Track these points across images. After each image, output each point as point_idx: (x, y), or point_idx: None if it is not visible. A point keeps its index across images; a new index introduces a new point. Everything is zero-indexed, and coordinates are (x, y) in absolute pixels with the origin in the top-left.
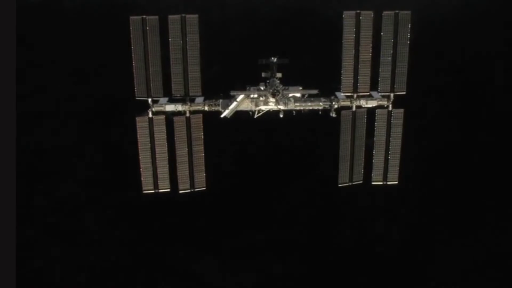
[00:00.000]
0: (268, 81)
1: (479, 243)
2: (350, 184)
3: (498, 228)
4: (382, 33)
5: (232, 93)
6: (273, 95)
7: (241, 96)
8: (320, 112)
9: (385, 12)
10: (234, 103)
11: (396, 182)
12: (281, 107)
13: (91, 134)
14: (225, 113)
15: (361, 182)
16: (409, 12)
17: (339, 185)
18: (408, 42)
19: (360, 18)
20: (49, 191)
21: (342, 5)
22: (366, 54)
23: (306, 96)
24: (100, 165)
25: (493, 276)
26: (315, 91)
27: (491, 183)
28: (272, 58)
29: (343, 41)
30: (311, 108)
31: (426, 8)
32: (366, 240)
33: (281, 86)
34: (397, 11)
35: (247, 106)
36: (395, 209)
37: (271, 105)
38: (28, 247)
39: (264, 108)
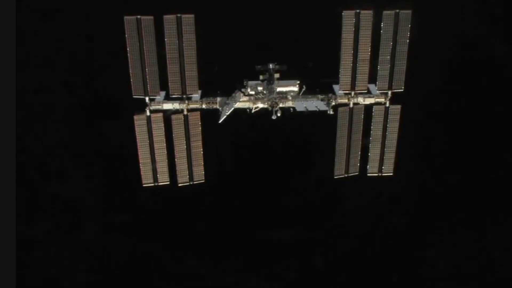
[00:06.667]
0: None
1: (476, 237)
2: (346, 175)
3: (495, 222)
4: (381, 31)
5: (228, 101)
6: (272, 107)
7: (237, 105)
8: (318, 109)
9: (385, 12)
10: (232, 109)
11: (391, 174)
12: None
13: (89, 133)
14: (222, 119)
15: (356, 174)
16: (409, 11)
17: (335, 177)
18: (408, 41)
19: (360, 17)
20: (49, 190)
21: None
22: (364, 53)
23: (302, 92)
24: (99, 163)
25: (491, 269)
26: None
27: (488, 178)
28: (270, 64)
29: (341, 40)
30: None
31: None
32: (364, 235)
33: (278, 94)
34: (397, 10)
35: (244, 104)
36: (392, 202)
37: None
38: (28, 246)
39: (261, 105)
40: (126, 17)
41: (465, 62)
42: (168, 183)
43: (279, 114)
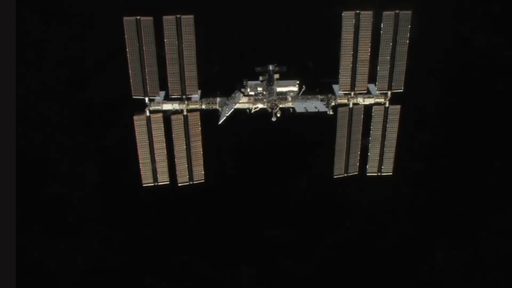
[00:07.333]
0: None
1: (476, 237)
2: (345, 175)
3: (495, 222)
4: (381, 32)
5: (228, 101)
6: (271, 109)
7: (237, 105)
8: (317, 110)
9: (385, 12)
10: (232, 110)
11: (391, 173)
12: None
13: (90, 133)
14: (222, 120)
15: (356, 173)
16: (409, 12)
17: (335, 177)
18: (408, 41)
19: (360, 18)
20: (49, 190)
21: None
22: (364, 54)
23: (302, 92)
24: (99, 163)
25: (491, 269)
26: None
27: (488, 178)
28: (270, 66)
29: (341, 41)
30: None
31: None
32: (364, 234)
33: (278, 95)
34: (397, 10)
35: (244, 104)
36: (391, 201)
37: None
38: (28, 246)
39: (261, 106)
40: (125, 18)
41: (464, 62)
42: (168, 183)
43: (278, 115)
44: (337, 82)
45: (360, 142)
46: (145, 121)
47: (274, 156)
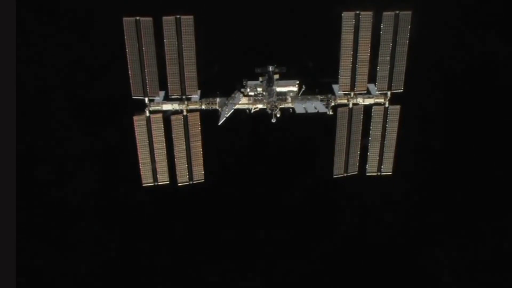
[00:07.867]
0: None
1: (476, 236)
2: (345, 175)
3: (494, 222)
4: (381, 32)
5: (228, 101)
6: (271, 110)
7: (237, 106)
8: (317, 111)
9: (385, 13)
10: (231, 111)
11: (390, 173)
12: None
13: (90, 133)
14: (221, 121)
15: (356, 173)
16: (409, 12)
17: (334, 176)
18: (407, 41)
19: (360, 18)
20: (49, 189)
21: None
22: (364, 54)
23: (301, 92)
24: (99, 163)
25: (491, 269)
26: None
27: (487, 178)
28: (270, 67)
29: (341, 41)
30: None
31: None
32: (363, 233)
33: (278, 96)
34: (397, 11)
35: (244, 105)
36: (390, 201)
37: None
38: (27, 246)
39: (260, 106)
40: (125, 18)
41: (464, 62)
42: (167, 182)
43: (278, 115)
44: (337, 82)
45: (359, 142)
46: (145, 121)
47: (274, 156)
